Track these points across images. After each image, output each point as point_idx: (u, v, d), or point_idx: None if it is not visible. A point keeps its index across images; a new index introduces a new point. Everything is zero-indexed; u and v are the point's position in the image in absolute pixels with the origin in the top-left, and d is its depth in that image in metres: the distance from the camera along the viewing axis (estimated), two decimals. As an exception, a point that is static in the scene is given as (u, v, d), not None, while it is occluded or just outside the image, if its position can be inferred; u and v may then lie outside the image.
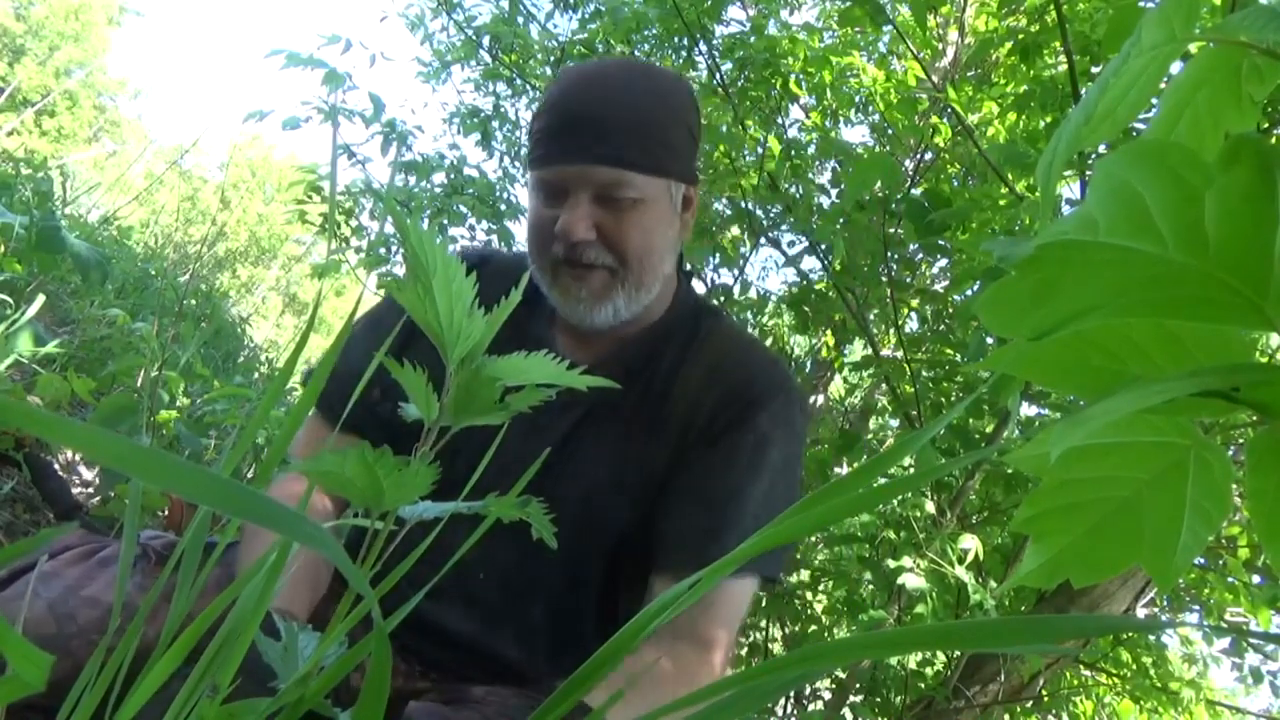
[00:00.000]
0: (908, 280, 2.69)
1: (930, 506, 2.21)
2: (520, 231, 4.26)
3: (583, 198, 0.95)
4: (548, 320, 1.07)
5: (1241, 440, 0.41)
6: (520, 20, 3.56)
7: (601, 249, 0.96)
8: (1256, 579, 2.38)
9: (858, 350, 3.49)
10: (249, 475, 2.25)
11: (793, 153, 3.03)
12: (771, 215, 2.84)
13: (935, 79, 3.14)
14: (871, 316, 2.86)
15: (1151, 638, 2.75)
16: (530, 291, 1.08)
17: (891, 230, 2.35)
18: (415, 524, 0.44)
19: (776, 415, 0.99)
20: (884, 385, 3.13)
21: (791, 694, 2.83)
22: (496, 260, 1.13)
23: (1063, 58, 2.18)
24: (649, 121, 0.96)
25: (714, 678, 0.89)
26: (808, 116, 3.32)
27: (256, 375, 4.57)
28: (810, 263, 2.82)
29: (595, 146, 0.94)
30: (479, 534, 0.46)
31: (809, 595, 3.02)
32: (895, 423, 3.65)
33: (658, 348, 1.04)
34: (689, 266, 1.16)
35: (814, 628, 2.85)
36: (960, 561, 2.01)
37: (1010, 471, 2.40)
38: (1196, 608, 2.73)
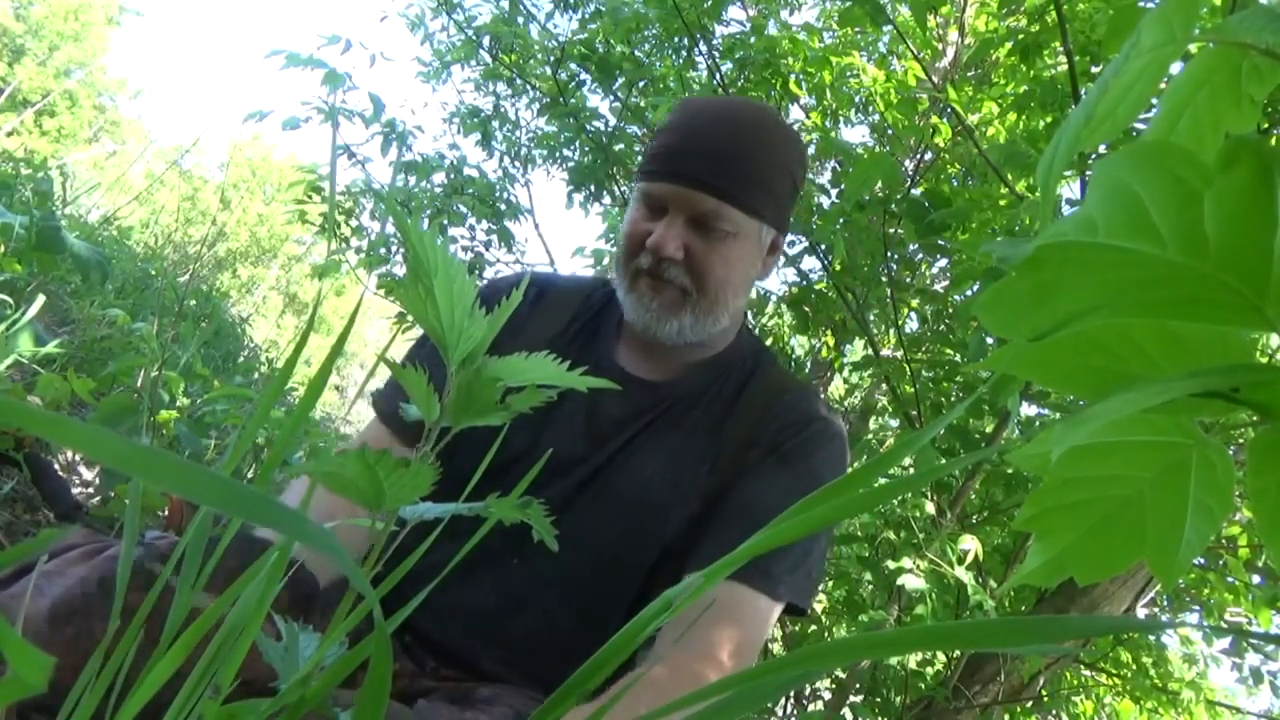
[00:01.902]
0: (908, 280, 2.69)
1: (930, 507, 2.21)
2: (521, 232, 4.27)
3: (680, 219, 1.00)
4: (615, 338, 1.12)
5: (1241, 440, 0.41)
6: (520, 20, 3.56)
7: (683, 270, 1.01)
8: (1257, 579, 2.38)
9: (858, 350, 3.49)
10: (249, 476, 2.25)
11: (793, 153, 3.02)
12: (771, 215, 2.83)
13: (935, 79, 3.14)
14: (871, 316, 2.86)
15: (1151, 638, 2.75)
16: (601, 309, 1.14)
17: (891, 230, 2.35)
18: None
19: (836, 455, 1.05)
20: (884, 385, 3.13)
21: (791, 694, 2.83)
22: (558, 286, 1.18)
23: (1063, 58, 2.18)
24: (759, 164, 1.01)
25: None
26: (808, 116, 3.32)
27: (256, 375, 4.57)
28: (810, 263, 2.82)
29: (703, 174, 0.99)
30: (480, 534, 0.46)
31: (809, 595, 3.02)
32: (895, 423, 3.65)
33: (719, 375, 1.09)
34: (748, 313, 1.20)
35: (814, 628, 2.85)
36: (960, 562, 2.01)
37: (1010, 471, 2.40)
38: (1196, 608, 2.73)
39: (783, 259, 2.88)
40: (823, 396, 1.16)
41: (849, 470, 1.06)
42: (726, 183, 0.99)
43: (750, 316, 3.18)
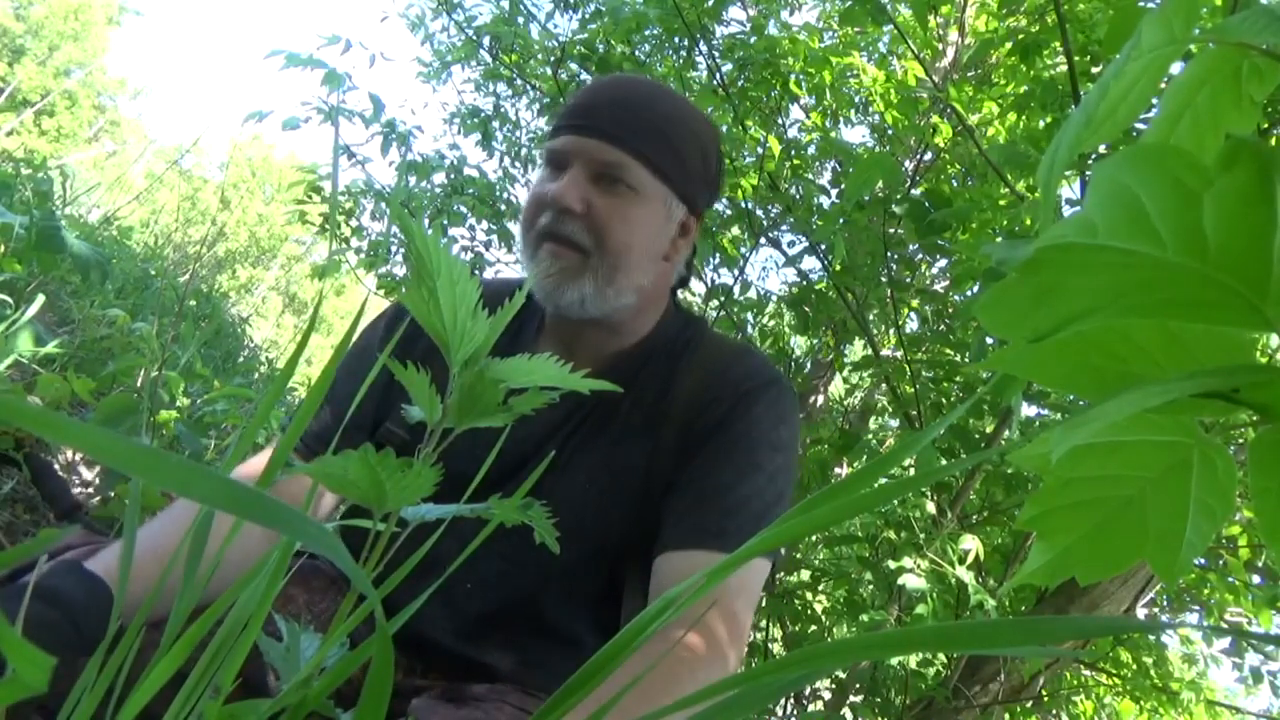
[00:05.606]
0: (908, 280, 2.69)
1: (931, 507, 2.21)
2: (521, 232, 4.27)
3: (582, 172, 0.96)
4: (536, 337, 1.08)
5: (1242, 440, 0.41)
6: (520, 20, 3.56)
7: (583, 227, 0.96)
8: (1257, 579, 2.39)
9: (858, 350, 3.50)
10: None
11: (793, 153, 3.03)
12: (771, 215, 2.84)
13: (935, 79, 3.14)
14: (871, 316, 2.86)
15: (1151, 638, 2.75)
16: (523, 308, 1.09)
17: (891, 230, 2.35)
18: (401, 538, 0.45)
19: (771, 405, 1.00)
20: (884, 385, 3.13)
21: (791, 694, 2.83)
22: (486, 291, 1.14)
23: (1062, 58, 2.18)
24: (666, 126, 0.97)
25: (743, 649, 0.89)
26: (808, 117, 3.32)
27: (256, 375, 4.57)
28: (810, 263, 2.82)
29: (605, 124, 0.96)
30: (472, 547, 0.46)
31: (809, 595, 3.03)
32: (895, 423, 3.65)
33: (646, 362, 1.04)
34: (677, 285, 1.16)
35: (814, 628, 2.85)
36: (960, 562, 2.01)
37: (1010, 471, 2.40)
38: (1196, 608, 2.73)
39: (783, 259, 2.89)
40: (756, 352, 1.10)
41: (789, 413, 1.01)
42: (630, 134, 0.95)
43: (751, 315, 3.19)
